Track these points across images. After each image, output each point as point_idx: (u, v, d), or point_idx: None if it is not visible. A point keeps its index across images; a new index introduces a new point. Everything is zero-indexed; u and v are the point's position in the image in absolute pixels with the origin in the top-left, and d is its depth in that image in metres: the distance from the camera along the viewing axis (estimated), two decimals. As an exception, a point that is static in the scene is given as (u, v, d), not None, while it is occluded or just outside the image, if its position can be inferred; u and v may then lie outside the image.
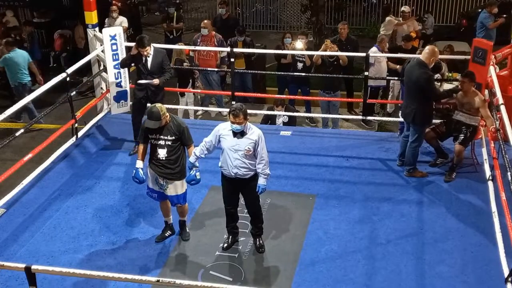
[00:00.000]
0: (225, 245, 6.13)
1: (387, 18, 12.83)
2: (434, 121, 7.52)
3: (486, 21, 12.02)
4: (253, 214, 6.07)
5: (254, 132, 5.70)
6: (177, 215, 6.27)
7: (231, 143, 5.68)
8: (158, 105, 5.80)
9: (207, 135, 5.91)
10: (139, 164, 5.95)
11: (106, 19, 12.44)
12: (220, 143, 5.79)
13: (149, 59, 7.61)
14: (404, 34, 11.51)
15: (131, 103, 8.59)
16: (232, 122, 5.60)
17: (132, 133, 8.12)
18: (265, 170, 5.76)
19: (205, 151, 5.89)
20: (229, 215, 6.10)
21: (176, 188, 5.96)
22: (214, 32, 11.16)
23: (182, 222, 6.28)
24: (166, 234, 6.28)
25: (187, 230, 6.29)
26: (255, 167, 5.76)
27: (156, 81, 7.61)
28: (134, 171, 5.98)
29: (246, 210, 6.20)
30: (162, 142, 5.84)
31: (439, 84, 9.88)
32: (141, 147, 6.00)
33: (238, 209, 6.12)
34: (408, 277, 5.69)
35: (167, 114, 5.83)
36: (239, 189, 5.94)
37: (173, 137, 5.83)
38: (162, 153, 5.84)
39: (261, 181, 5.80)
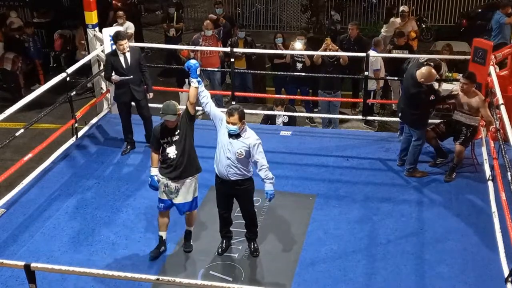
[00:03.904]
0: (220, 250, 6.08)
1: (391, 19, 12.83)
2: (434, 121, 7.52)
3: (503, 20, 11.98)
4: (248, 218, 6.02)
5: (249, 137, 5.59)
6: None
7: (225, 140, 5.59)
8: (173, 101, 5.71)
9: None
10: (154, 171, 5.82)
11: (114, 24, 12.37)
12: (215, 125, 5.67)
13: (128, 57, 7.61)
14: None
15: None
16: (227, 122, 5.50)
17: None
18: (268, 175, 5.68)
19: (207, 97, 5.73)
20: (222, 219, 6.04)
21: (187, 194, 5.81)
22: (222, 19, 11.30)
23: (188, 232, 6.12)
24: (160, 250, 6.06)
25: (191, 243, 6.13)
26: (248, 172, 5.69)
27: (151, 95, 7.85)
28: (149, 179, 5.84)
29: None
30: (174, 139, 5.72)
31: (437, 84, 9.89)
32: (154, 155, 5.85)
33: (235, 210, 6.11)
34: (408, 277, 5.69)
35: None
36: (231, 193, 5.86)
37: (179, 130, 5.69)
38: (172, 151, 5.71)
39: (268, 187, 5.71)
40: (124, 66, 7.62)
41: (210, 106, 5.74)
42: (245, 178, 5.72)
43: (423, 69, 6.99)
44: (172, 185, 5.78)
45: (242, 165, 5.63)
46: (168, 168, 5.76)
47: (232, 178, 5.67)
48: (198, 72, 5.75)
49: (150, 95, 7.90)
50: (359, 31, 11.31)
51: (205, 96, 5.77)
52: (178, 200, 5.84)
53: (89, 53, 9.05)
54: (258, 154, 5.60)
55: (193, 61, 5.80)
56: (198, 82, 5.72)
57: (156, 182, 5.84)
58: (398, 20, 12.78)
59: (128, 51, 7.62)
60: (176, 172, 5.75)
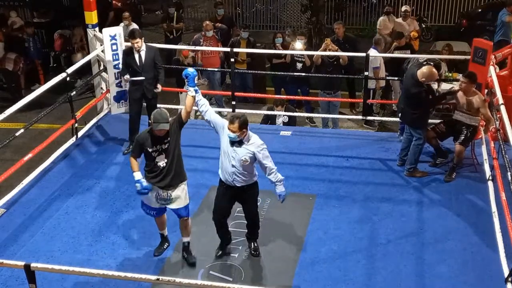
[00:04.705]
0: (219, 253, 6.01)
1: (380, 18, 12.85)
2: (434, 121, 7.50)
3: (504, 17, 11.99)
4: (250, 219, 5.98)
5: (254, 143, 5.50)
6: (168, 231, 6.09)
7: (229, 148, 5.53)
8: (164, 109, 5.59)
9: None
10: (138, 175, 5.60)
11: (120, 25, 12.37)
12: (218, 133, 5.61)
13: (142, 55, 7.67)
14: (405, 33, 11.55)
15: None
16: (228, 128, 5.43)
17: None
18: (278, 178, 5.63)
19: (206, 105, 5.64)
20: (219, 225, 5.94)
21: (183, 198, 5.73)
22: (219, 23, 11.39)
23: (186, 244, 5.96)
24: (164, 247, 6.08)
25: (192, 253, 5.98)
26: (253, 177, 5.65)
27: (159, 88, 7.79)
28: (137, 184, 5.57)
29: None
30: (163, 147, 5.60)
31: (436, 84, 9.90)
32: (134, 161, 5.67)
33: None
34: (408, 277, 5.69)
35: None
36: (235, 199, 5.81)
37: (169, 138, 5.57)
38: (161, 159, 5.60)
39: (279, 189, 5.67)
40: (138, 64, 7.69)
41: (210, 114, 5.66)
42: (250, 183, 5.68)
43: (424, 68, 6.99)
44: (164, 193, 5.68)
45: (248, 171, 5.58)
46: (157, 177, 5.63)
47: (237, 185, 5.64)
48: (196, 81, 5.68)
49: (159, 87, 7.79)
50: (345, 29, 11.22)
51: (203, 104, 5.67)
52: (173, 206, 5.75)
53: (88, 53, 9.05)
54: (265, 159, 5.53)
55: (190, 70, 5.71)
56: (196, 91, 5.63)
57: (145, 185, 5.58)
58: (387, 18, 12.75)
59: (143, 49, 7.68)
60: (166, 181, 5.63)
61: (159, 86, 7.82)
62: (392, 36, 11.57)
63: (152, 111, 7.79)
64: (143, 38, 7.74)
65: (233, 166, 5.54)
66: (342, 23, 11.23)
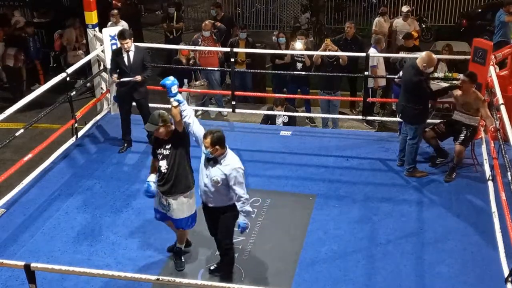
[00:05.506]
0: (210, 267, 5.82)
1: (376, 19, 12.86)
2: (434, 121, 7.50)
3: (502, 18, 11.99)
4: (220, 249, 5.61)
5: (228, 165, 5.14)
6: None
7: (204, 165, 5.30)
8: (162, 111, 5.45)
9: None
10: (151, 177, 5.55)
11: (109, 23, 12.40)
12: (200, 147, 5.30)
13: (131, 56, 7.66)
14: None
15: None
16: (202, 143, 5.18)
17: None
18: (243, 208, 5.24)
19: (190, 116, 5.31)
20: (216, 242, 5.73)
21: (180, 210, 5.58)
22: (218, 23, 11.44)
23: (178, 250, 5.85)
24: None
25: (183, 260, 5.87)
26: (228, 200, 5.30)
27: (138, 77, 7.64)
28: (145, 184, 5.55)
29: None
30: (165, 153, 5.53)
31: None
32: (152, 163, 5.65)
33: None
34: (408, 277, 5.69)
35: (171, 125, 5.43)
36: (211, 218, 5.53)
37: (170, 144, 5.49)
38: (163, 164, 5.52)
39: (241, 219, 5.29)
40: (127, 64, 7.69)
41: (192, 127, 5.33)
42: (224, 206, 5.35)
43: (423, 54, 7.07)
44: (163, 198, 5.62)
45: (220, 193, 5.26)
46: (161, 181, 5.59)
47: (209, 205, 5.40)
48: (174, 91, 5.33)
49: (137, 77, 7.61)
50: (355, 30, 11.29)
51: (187, 115, 5.33)
52: (170, 215, 5.66)
53: (89, 53, 9.05)
54: (236, 185, 5.15)
55: (171, 78, 5.40)
56: (178, 101, 5.31)
57: (151, 189, 5.53)
58: (382, 19, 12.75)
59: (132, 50, 7.67)
60: (166, 187, 5.55)
61: (138, 76, 7.60)
62: (393, 36, 11.57)
63: (143, 111, 7.87)
64: (132, 38, 7.72)
65: (205, 184, 5.28)
66: (354, 23, 11.28)
